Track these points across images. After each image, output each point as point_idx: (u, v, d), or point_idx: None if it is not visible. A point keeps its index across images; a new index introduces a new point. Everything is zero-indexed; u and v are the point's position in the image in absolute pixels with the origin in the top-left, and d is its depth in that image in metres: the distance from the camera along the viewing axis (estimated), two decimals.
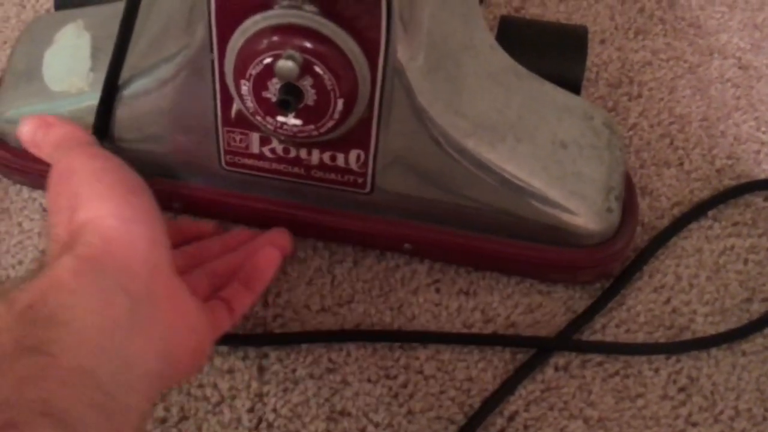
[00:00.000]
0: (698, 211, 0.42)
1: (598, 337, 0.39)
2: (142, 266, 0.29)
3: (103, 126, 0.38)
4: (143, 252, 0.29)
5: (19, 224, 0.41)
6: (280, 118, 0.35)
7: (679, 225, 0.42)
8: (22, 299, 0.26)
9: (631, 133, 0.45)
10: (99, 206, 0.29)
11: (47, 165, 0.40)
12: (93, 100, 0.39)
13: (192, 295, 0.31)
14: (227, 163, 0.39)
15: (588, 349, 0.39)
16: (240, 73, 0.34)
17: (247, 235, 0.39)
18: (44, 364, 0.24)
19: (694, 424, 0.37)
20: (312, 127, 0.35)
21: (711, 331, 0.39)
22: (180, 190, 0.40)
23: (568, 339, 0.38)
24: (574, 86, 0.41)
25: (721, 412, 0.37)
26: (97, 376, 0.25)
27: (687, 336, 0.39)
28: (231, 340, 0.38)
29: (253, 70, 0.33)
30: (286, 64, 0.32)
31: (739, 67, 0.48)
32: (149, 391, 0.27)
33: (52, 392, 0.24)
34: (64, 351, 0.25)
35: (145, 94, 0.37)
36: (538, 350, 0.38)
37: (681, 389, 0.38)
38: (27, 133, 0.35)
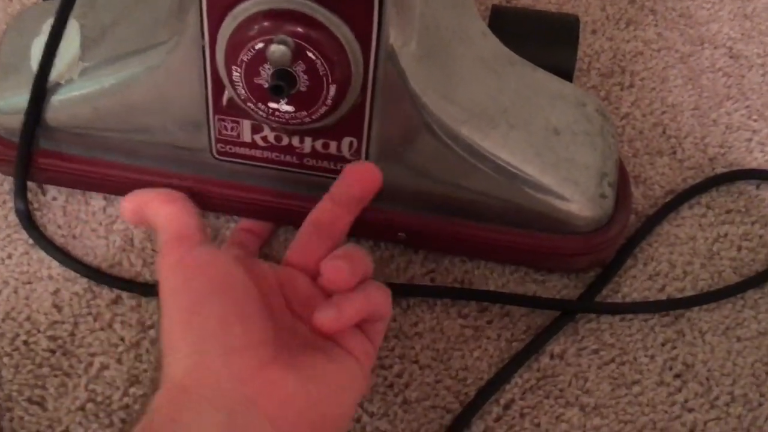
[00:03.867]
0: (689, 195, 0.42)
1: (593, 325, 0.39)
2: (225, 381, 0.28)
3: (34, 115, 0.38)
4: (220, 368, 0.29)
5: (6, 217, 0.41)
6: (273, 105, 0.34)
7: (669, 208, 0.42)
8: None
9: (623, 122, 0.45)
10: (171, 339, 0.29)
11: (36, 156, 0.40)
12: (83, 89, 0.38)
13: (306, 375, 0.30)
14: (219, 153, 0.38)
15: (607, 311, 0.39)
16: (231, 59, 0.33)
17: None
18: None
19: (690, 410, 0.37)
20: (304, 113, 0.35)
21: (706, 318, 0.39)
22: (171, 181, 0.40)
23: (550, 337, 0.38)
24: (566, 75, 0.41)
25: (717, 398, 0.37)
26: None
27: (683, 323, 0.39)
28: None
29: (245, 56, 0.33)
30: (278, 49, 0.32)
31: (730, 57, 0.48)
32: None
33: None
34: None
35: (134, 82, 0.37)
36: (561, 313, 0.39)
37: (677, 375, 0.38)
38: (129, 210, 0.33)
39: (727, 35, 0.49)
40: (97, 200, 0.41)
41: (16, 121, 0.39)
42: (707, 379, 0.38)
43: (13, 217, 0.41)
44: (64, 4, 0.37)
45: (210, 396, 0.28)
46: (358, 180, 0.35)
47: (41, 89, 0.38)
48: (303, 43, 0.32)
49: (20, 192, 0.40)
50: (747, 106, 0.46)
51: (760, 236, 0.42)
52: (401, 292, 0.39)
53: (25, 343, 0.38)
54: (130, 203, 0.33)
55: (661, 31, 0.49)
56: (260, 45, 0.32)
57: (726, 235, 0.42)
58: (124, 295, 0.39)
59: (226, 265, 0.31)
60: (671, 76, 0.47)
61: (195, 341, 0.29)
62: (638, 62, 0.47)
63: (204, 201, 0.41)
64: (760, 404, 0.37)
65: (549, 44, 0.41)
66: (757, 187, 0.43)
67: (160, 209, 0.32)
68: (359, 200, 0.35)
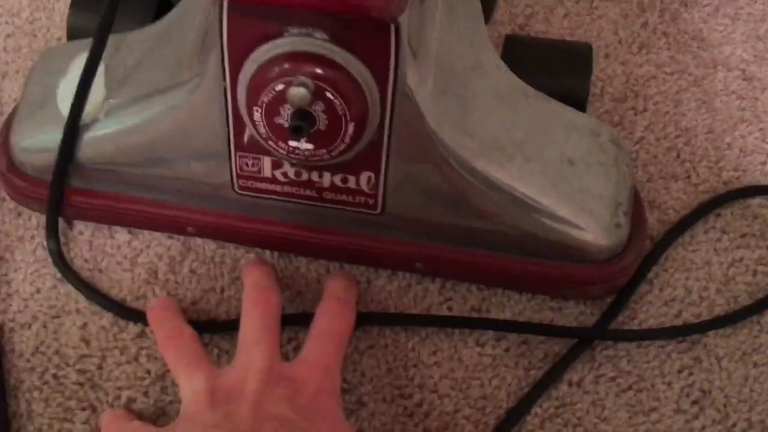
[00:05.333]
0: (700, 213, 0.42)
1: (610, 352, 0.40)
2: None
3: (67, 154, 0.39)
4: None
5: (34, 252, 0.42)
6: (293, 143, 0.35)
7: (681, 228, 0.42)
8: None
9: (637, 147, 0.46)
10: None
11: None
12: (108, 128, 0.39)
13: None
14: (240, 188, 0.39)
15: (623, 338, 0.39)
16: (252, 100, 0.34)
17: None
18: None
19: None
20: (324, 150, 0.35)
21: (722, 344, 0.40)
22: (193, 216, 0.41)
23: (567, 366, 0.39)
24: (579, 104, 0.41)
25: (734, 425, 0.38)
26: None
27: (699, 350, 0.40)
28: None
29: (265, 97, 0.34)
30: (298, 91, 0.33)
31: (744, 79, 0.48)
32: None
33: None
34: None
35: (157, 121, 0.38)
36: (578, 340, 0.39)
37: (694, 402, 0.38)
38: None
39: (740, 57, 0.49)
40: (122, 234, 0.42)
41: (44, 160, 0.40)
42: (724, 405, 0.38)
43: (41, 252, 0.42)
44: (97, 45, 0.38)
45: None
46: None
47: (74, 129, 0.39)
48: (322, 84, 0.33)
49: (52, 231, 0.41)
50: (761, 129, 0.46)
51: None
52: (419, 321, 0.40)
53: (55, 376, 0.39)
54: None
55: (674, 54, 0.49)
56: (280, 87, 0.33)
57: (741, 259, 0.42)
58: (148, 329, 0.40)
59: None
60: (685, 100, 0.47)
61: None
62: (651, 86, 0.48)
63: (225, 234, 0.42)
64: None
65: (562, 74, 0.42)
66: None
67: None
68: None
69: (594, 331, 0.40)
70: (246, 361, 0.34)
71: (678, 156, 0.46)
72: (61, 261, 0.41)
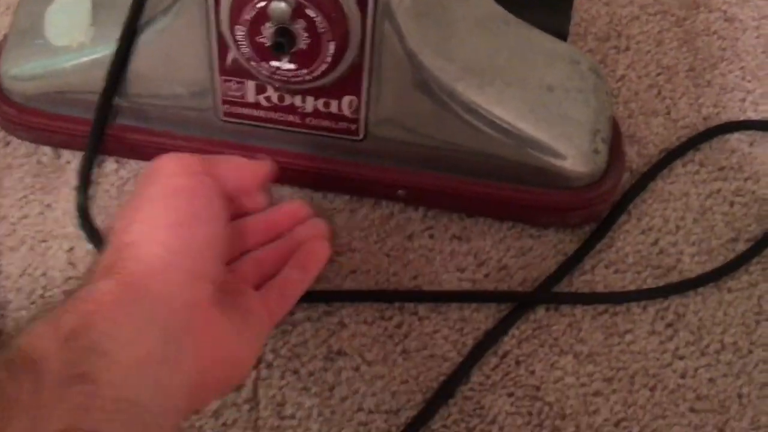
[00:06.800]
0: (681, 150, 0.43)
1: (587, 278, 0.40)
2: (179, 301, 0.29)
3: (114, 79, 0.39)
4: (183, 287, 0.29)
5: (21, 179, 0.43)
6: (275, 63, 0.36)
7: (662, 164, 0.43)
8: (67, 322, 0.26)
9: (619, 84, 0.46)
10: (149, 231, 0.29)
11: (50, 120, 0.42)
12: (94, 54, 0.40)
13: (233, 323, 0.31)
14: (225, 114, 0.40)
15: (567, 300, 0.39)
16: (235, 18, 0.35)
17: (291, 210, 0.38)
18: (91, 393, 0.25)
19: (681, 357, 0.38)
20: (305, 71, 0.36)
21: (698, 270, 0.41)
22: (179, 143, 0.41)
23: (548, 291, 0.39)
24: (561, 36, 0.42)
25: (708, 346, 0.39)
26: (137, 406, 0.26)
27: (674, 276, 0.40)
28: None
29: (248, 15, 0.34)
30: (278, 6, 0.33)
31: (725, 20, 0.49)
32: (177, 419, 0.28)
33: (101, 423, 0.25)
34: (107, 381, 0.25)
35: (142, 46, 0.38)
36: (518, 304, 0.39)
37: (668, 325, 0.39)
38: None
39: None
40: (109, 163, 0.43)
41: (33, 88, 0.41)
42: (698, 328, 0.39)
43: (29, 180, 0.42)
44: None
45: (155, 309, 0.28)
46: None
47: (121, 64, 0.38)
48: (302, 1, 0.33)
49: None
50: (741, 68, 0.47)
51: (753, 192, 0.43)
52: (363, 298, 0.39)
53: (42, 297, 0.39)
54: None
55: None
56: (262, 3, 0.34)
57: (719, 191, 0.43)
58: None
59: (222, 199, 0.32)
60: (666, 39, 0.48)
61: (173, 248, 0.29)
62: (634, 26, 0.48)
63: None
64: (750, 351, 0.38)
65: (544, 6, 0.42)
66: (750, 144, 0.44)
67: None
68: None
69: (537, 296, 0.39)
70: None
71: (659, 93, 0.46)
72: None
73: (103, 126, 0.41)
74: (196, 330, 0.29)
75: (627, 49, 0.48)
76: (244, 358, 0.32)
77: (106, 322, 0.27)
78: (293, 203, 0.38)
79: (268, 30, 0.35)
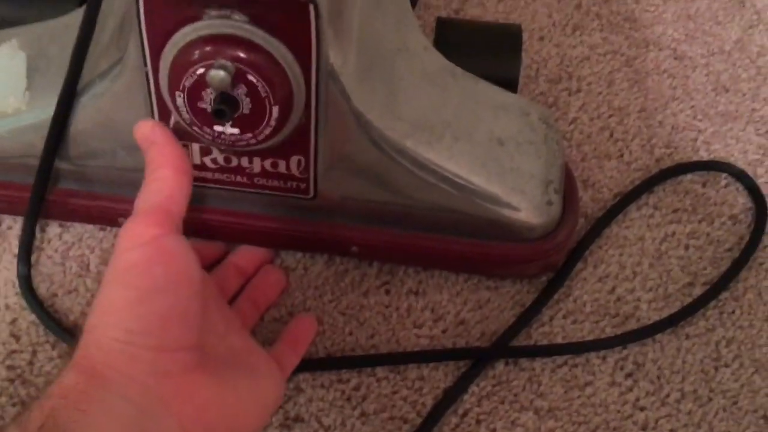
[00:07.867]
0: (635, 194, 0.43)
1: (546, 329, 0.40)
2: (150, 377, 0.28)
3: (54, 143, 0.38)
4: (148, 364, 0.28)
5: None
6: (218, 128, 0.35)
7: (617, 209, 0.43)
8: (33, 420, 0.26)
9: (571, 127, 0.46)
10: (106, 314, 0.29)
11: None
12: (31, 119, 0.38)
13: (225, 385, 0.30)
14: None
15: (525, 354, 0.39)
16: (174, 84, 0.34)
17: (253, 255, 0.40)
18: None
19: (642, 408, 0.38)
20: (250, 135, 0.35)
21: (655, 317, 0.40)
22: (124, 206, 0.40)
23: (506, 345, 0.39)
24: (511, 84, 0.41)
25: (668, 395, 0.38)
26: None
27: (632, 323, 0.40)
28: None
29: (187, 82, 0.33)
30: (218, 74, 0.32)
31: (675, 58, 0.49)
32: None
33: None
34: None
35: (80, 110, 0.37)
36: (477, 360, 0.38)
37: (628, 375, 0.39)
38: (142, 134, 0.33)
39: (671, 37, 0.50)
40: (53, 228, 0.42)
41: None
42: (658, 377, 0.39)
43: None
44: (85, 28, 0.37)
45: (125, 388, 0.28)
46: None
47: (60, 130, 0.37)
48: (243, 67, 0.33)
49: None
50: (692, 107, 0.47)
51: (707, 234, 0.43)
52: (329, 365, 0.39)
53: None
54: (147, 132, 0.32)
55: (607, 35, 0.50)
56: (201, 70, 0.33)
57: (673, 234, 0.43)
58: (81, 320, 0.39)
59: (189, 261, 0.30)
60: (617, 80, 0.48)
61: (130, 328, 0.28)
62: (585, 67, 0.48)
63: None
64: (710, 399, 0.38)
65: (493, 56, 0.42)
66: (703, 185, 0.44)
67: (166, 168, 0.32)
68: None
69: (493, 351, 0.39)
70: None
71: (611, 135, 0.46)
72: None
73: (43, 191, 0.40)
74: (172, 400, 0.28)
75: (578, 90, 0.47)
76: (251, 415, 0.31)
77: (74, 413, 0.26)
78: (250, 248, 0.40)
79: (209, 96, 0.34)
